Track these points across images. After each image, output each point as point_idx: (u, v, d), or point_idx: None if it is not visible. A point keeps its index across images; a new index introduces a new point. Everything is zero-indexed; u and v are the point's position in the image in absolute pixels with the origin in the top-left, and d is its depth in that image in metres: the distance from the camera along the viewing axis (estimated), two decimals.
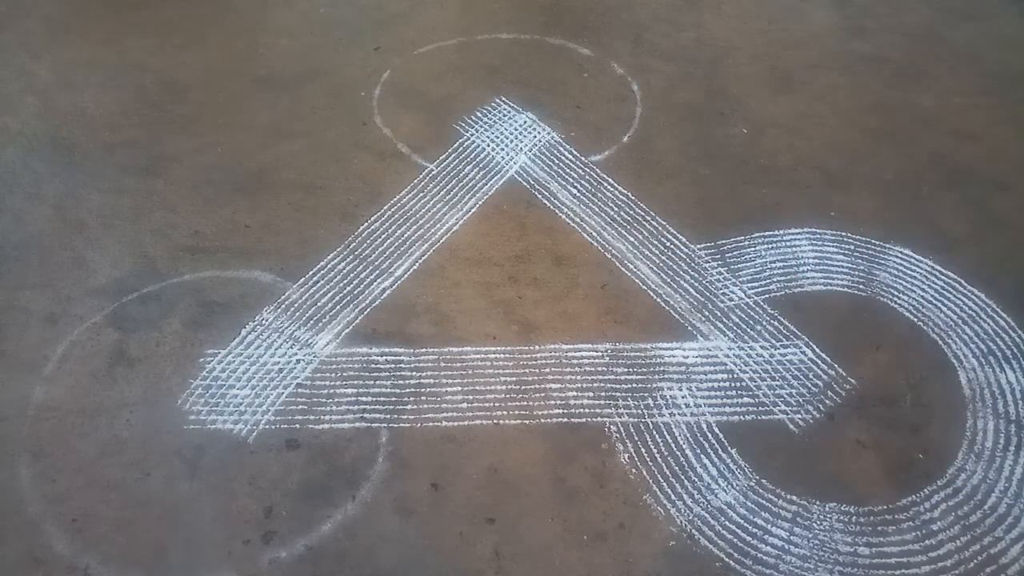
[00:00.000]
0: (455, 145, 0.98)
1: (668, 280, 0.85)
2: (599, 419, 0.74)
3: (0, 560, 0.63)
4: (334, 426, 0.72)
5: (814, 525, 0.68)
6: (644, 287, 0.85)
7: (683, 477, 0.70)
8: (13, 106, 1.00)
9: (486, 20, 1.18)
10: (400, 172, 0.95)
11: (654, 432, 0.73)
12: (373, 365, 0.76)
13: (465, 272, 0.85)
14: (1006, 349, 0.81)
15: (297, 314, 0.80)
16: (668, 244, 0.88)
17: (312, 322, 0.79)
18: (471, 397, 0.75)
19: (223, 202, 0.90)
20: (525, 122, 1.02)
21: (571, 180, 0.95)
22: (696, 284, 0.85)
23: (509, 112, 1.03)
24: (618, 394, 0.75)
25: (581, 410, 0.74)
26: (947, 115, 1.07)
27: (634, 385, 0.76)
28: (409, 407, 0.73)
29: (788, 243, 0.90)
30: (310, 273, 0.84)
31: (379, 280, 0.83)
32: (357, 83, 1.06)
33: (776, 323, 0.82)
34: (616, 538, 0.66)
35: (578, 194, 0.93)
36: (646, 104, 1.04)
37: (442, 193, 0.92)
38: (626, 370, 0.77)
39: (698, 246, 0.88)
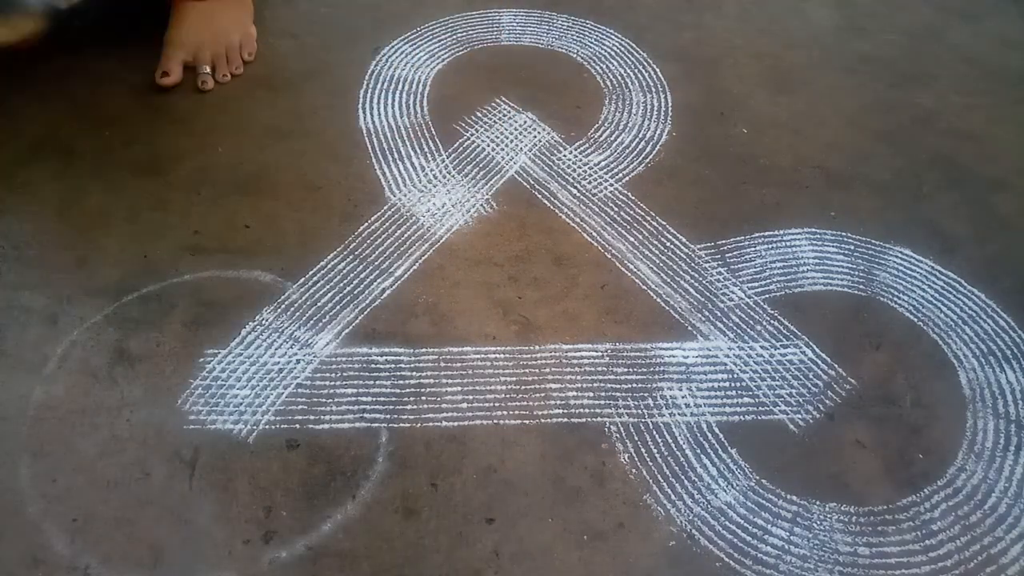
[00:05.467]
0: (455, 145, 0.98)
1: (668, 280, 0.85)
2: (599, 419, 0.74)
3: (0, 560, 0.63)
4: (334, 426, 0.72)
5: (814, 525, 0.68)
6: (644, 287, 0.85)
7: (683, 477, 0.70)
8: (13, 106, 1.00)
9: None
10: (400, 172, 0.95)
11: (654, 432, 0.73)
12: (373, 365, 0.76)
13: (465, 272, 0.85)
14: (1006, 349, 0.81)
15: (297, 314, 0.80)
16: (668, 244, 0.88)
17: (312, 322, 0.79)
18: (471, 397, 0.75)
19: (223, 202, 0.90)
20: (525, 122, 1.02)
21: (571, 180, 0.95)
22: (696, 284, 0.85)
23: (509, 112, 1.03)
24: (618, 394, 0.75)
25: (581, 410, 0.74)
26: (947, 115, 1.07)
27: (634, 385, 0.76)
28: (409, 407, 0.73)
29: (788, 243, 0.90)
30: (310, 273, 0.84)
31: (379, 280, 0.83)
32: (357, 83, 1.06)
33: (776, 323, 0.82)
34: (616, 538, 0.66)
35: (578, 194, 0.93)
36: None
37: (443, 193, 0.92)
38: (626, 370, 0.77)
39: (698, 246, 0.88)
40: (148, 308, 0.80)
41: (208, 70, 1.03)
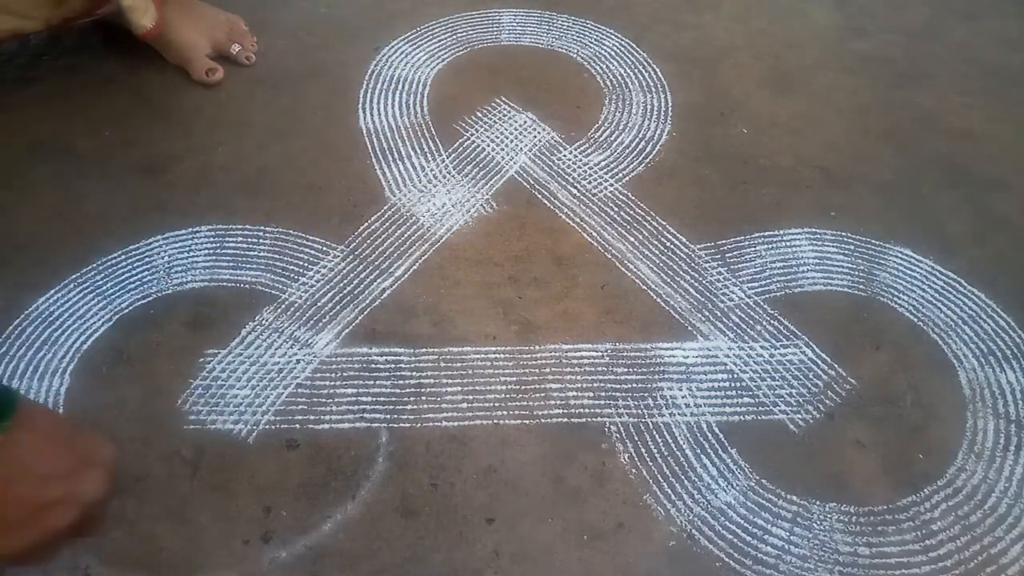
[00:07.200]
0: (455, 145, 0.98)
1: (668, 280, 0.85)
2: (599, 419, 0.74)
3: None
4: (334, 426, 0.72)
5: (814, 525, 0.68)
6: (644, 287, 0.85)
7: (683, 477, 0.70)
8: (13, 106, 1.00)
9: None
10: (400, 172, 0.95)
11: (654, 432, 0.73)
12: (373, 365, 0.76)
13: (465, 272, 0.85)
14: (1006, 349, 0.81)
15: (297, 314, 0.80)
16: (668, 244, 0.88)
17: (312, 322, 0.79)
18: (471, 397, 0.75)
19: (223, 202, 0.90)
20: (525, 122, 1.02)
21: (571, 180, 0.95)
22: (696, 284, 0.85)
23: (509, 112, 1.03)
24: (618, 394, 0.75)
25: (581, 410, 0.74)
26: (947, 115, 1.07)
27: (634, 385, 0.76)
28: (409, 407, 0.73)
29: (788, 243, 0.90)
30: (310, 273, 0.84)
31: (379, 280, 0.83)
32: (357, 83, 1.06)
33: (776, 323, 0.82)
34: (616, 538, 0.66)
35: (578, 194, 0.93)
36: None
37: (443, 193, 0.92)
38: (626, 370, 0.77)
39: (698, 246, 0.88)
40: (148, 308, 0.80)
41: (237, 48, 1.06)
